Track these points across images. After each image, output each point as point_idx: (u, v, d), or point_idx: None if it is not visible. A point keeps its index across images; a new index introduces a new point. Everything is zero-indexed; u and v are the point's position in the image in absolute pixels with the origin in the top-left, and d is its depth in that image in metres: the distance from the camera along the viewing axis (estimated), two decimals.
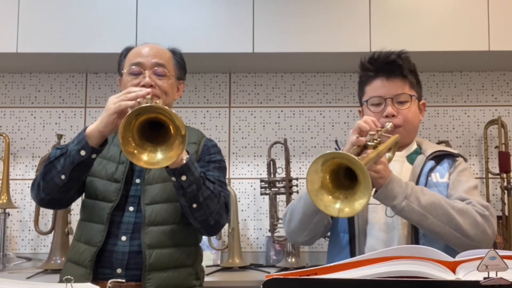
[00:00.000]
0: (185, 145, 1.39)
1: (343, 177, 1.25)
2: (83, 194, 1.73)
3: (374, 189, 1.45)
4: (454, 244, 1.46)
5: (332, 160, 1.21)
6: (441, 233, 1.45)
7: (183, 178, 1.52)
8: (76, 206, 2.75)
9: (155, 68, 1.70)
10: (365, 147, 1.42)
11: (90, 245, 1.63)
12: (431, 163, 1.63)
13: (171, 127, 1.38)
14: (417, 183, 1.58)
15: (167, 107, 1.39)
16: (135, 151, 1.39)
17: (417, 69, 1.73)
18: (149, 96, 1.57)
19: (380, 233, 1.57)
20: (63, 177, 1.56)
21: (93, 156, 1.55)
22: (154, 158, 1.40)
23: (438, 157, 1.65)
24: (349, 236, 1.60)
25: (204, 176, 1.60)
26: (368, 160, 1.31)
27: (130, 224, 1.64)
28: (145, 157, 1.39)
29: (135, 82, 1.69)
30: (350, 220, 1.60)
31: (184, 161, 1.52)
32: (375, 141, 1.43)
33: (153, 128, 1.41)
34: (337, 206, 1.22)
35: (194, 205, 1.57)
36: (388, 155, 1.57)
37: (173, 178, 1.53)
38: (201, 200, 1.57)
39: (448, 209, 1.45)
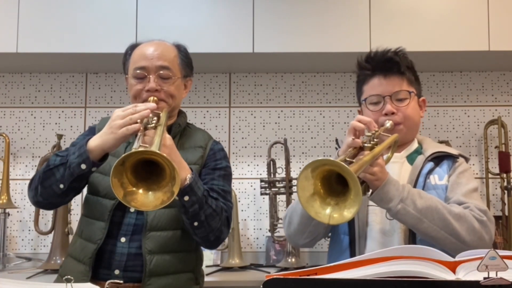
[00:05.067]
0: (174, 196, 1.34)
1: (335, 182, 1.23)
2: (86, 190, 1.73)
3: (370, 191, 1.44)
4: (450, 249, 1.42)
5: (323, 167, 1.19)
6: (437, 238, 1.43)
7: (186, 198, 1.50)
8: (76, 206, 2.76)
9: (160, 71, 1.69)
10: (361, 148, 1.40)
11: (91, 242, 1.62)
12: (430, 165, 1.60)
13: (165, 167, 1.34)
14: (415, 185, 1.56)
15: (153, 150, 1.32)
16: (133, 189, 1.36)
17: (416, 68, 1.70)
18: (153, 100, 1.60)
19: (380, 236, 1.56)
20: (61, 186, 1.56)
21: (93, 169, 1.54)
22: (144, 200, 1.36)
23: (438, 158, 1.62)
24: (349, 238, 1.59)
25: (207, 194, 1.58)
26: (361, 164, 1.29)
27: (130, 226, 1.63)
28: (137, 198, 1.36)
29: (140, 88, 1.68)
30: (351, 222, 1.58)
31: (188, 182, 1.50)
32: (371, 142, 1.41)
33: (148, 164, 1.37)
34: (327, 213, 1.21)
35: (195, 223, 1.56)
36: (386, 156, 1.55)
37: (176, 197, 1.51)
38: (202, 218, 1.55)
39: (444, 213, 1.43)
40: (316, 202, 1.21)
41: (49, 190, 1.58)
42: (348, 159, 1.33)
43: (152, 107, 1.54)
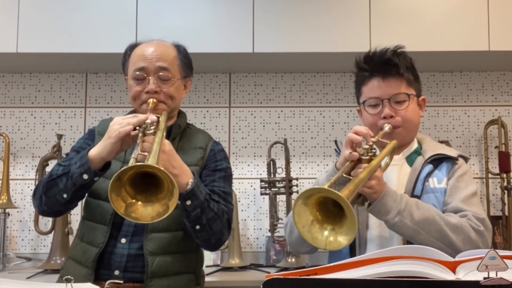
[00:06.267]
0: (169, 210, 1.32)
1: (332, 205, 1.22)
2: (87, 193, 1.72)
3: (368, 202, 1.44)
4: None
5: (318, 194, 1.19)
6: None
7: (188, 202, 1.50)
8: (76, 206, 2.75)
9: (159, 73, 1.68)
10: (359, 160, 1.39)
11: (93, 245, 1.62)
12: (429, 167, 1.58)
13: (163, 180, 1.32)
14: (413, 188, 1.55)
15: (150, 164, 1.30)
16: (132, 201, 1.35)
17: (415, 65, 1.67)
18: (152, 102, 1.62)
19: (379, 239, 1.55)
20: (65, 196, 1.56)
21: (96, 179, 1.54)
22: (143, 212, 1.35)
23: (437, 160, 1.60)
24: None
25: (209, 197, 1.57)
26: (358, 183, 1.29)
27: (130, 227, 1.63)
28: (136, 210, 1.35)
29: (139, 89, 1.68)
30: None
31: (190, 186, 1.49)
32: (369, 154, 1.40)
33: (147, 175, 1.35)
34: (324, 239, 1.21)
35: (197, 227, 1.55)
36: (385, 161, 1.53)
37: (178, 202, 1.52)
38: (204, 222, 1.55)
39: (441, 225, 1.42)
40: (313, 228, 1.21)
41: (53, 199, 1.58)
42: (345, 175, 1.33)
43: (153, 120, 1.51)
